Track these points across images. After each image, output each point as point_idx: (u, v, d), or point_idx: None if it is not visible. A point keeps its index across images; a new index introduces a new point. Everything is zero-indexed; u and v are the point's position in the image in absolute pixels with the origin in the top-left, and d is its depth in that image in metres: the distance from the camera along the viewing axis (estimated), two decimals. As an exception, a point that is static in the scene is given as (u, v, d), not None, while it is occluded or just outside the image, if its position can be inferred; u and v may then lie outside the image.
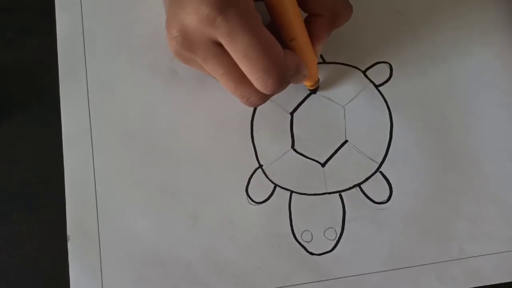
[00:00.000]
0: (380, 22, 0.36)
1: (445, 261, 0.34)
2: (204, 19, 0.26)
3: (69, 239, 0.33)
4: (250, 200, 0.34)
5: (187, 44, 0.28)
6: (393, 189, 0.34)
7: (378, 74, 0.36)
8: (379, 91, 0.36)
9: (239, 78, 0.29)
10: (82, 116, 0.35)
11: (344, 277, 0.33)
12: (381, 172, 0.35)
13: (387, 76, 0.36)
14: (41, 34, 0.35)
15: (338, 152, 0.35)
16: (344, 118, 0.35)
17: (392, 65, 0.36)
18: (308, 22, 0.31)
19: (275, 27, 0.30)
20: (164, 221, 0.34)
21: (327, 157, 0.35)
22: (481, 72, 0.36)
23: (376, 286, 0.33)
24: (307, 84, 0.34)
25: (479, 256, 0.34)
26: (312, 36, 0.31)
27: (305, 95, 0.35)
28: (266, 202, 0.34)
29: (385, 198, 0.34)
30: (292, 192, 0.34)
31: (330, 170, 0.35)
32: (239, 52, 0.27)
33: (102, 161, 0.34)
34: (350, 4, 0.32)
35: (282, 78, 0.28)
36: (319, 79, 0.34)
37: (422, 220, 0.34)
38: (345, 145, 0.35)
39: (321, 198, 0.34)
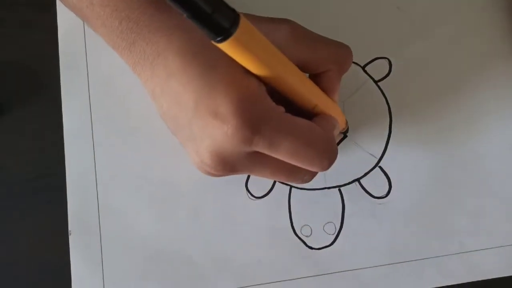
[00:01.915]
0: (379, 17, 0.37)
1: (445, 255, 0.34)
2: (240, 143, 0.25)
3: (70, 234, 0.33)
4: (250, 195, 0.34)
5: (228, 168, 0.27)
6: (392, 184, 0.34)
7: (377, 69, 0.36)
8: (378, 86, 0.36)
9: (289, 170, 0.28)
10: (83, 110, 0.35)
11: (344, 271, 0.33)
12: (380, 167, 0.35)
13: (386, 71, 0.36)
14: (41, 29, 0.36)
15: (338, 147, 0.35)
16: (344, 113, 0.35)
17: (391, 61, 0.36)
18: (318, 80, 0.30)
19: (291, 100, 0.28)
20: (165, 216, 0.34)
21: (326, 152, 0.35)
22: (481, 66, 0.36)
23: (376, 280, 0.33)
24: (340, 130, 0.33)
25: (479, 250, 0.34)
26: (328, 91, 0.30)
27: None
28: (266, 197, 0.34)
29: (384, 192, 0.34)
30: (291, 187, 0.34)
31: (330, 165, 0.35)
32: (285, 154, 0.26)
33: (103, 156, 0.34)
34: (348, 47, 0.31)
35: (333, 152, 0.27)
36: (346, 120, 0.34)
37: (421, 214, 0.34)
38: (345, 140, 0.35)
39: (320, 193, 0.34)
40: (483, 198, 0.35)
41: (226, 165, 0.26)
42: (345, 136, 0.35)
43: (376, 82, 0.36)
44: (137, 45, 0.28)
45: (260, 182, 0.34)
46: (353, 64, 0.36)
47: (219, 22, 0.21)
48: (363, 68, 0.36)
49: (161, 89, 0.27)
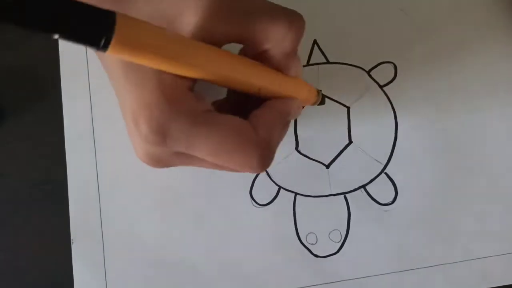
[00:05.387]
0: (384, 21, 0.36)
1: (452, 263, 0.33)
2: (154, 146, 0.24)
3: (72, 242, 0.33)
4: (254, 203, 0.34)
5: (161, 165, 0.26)
6: (398, 190, 0.34)
7: (383, 74, 0.36)
8: (383, 91, 0.35)
9: (224, 166, 0.26)
10: (84, 116, 0.34)
11: (350, 279, 0.33)
12: (386, 173, 0.34)
13: (392, 76, 0.36)
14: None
15: (343, 154, 0.34)
16: (349, 119, 0.35)
17: (397, 65, 0.36)
18: (262, 58, 0.26)
19: (229, 88, 0.26)
20: (168, 223, 0.33)
21: (331, 159, 0.34)
22: (487, 70, 0.36)
23: (382, 289, 0.33)
24: (311, 104, 0.31)
25: (486, 257, 0.33)
26: (280, 69, 0.26)
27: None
28: (270, 204, 0.34)
29: (391, 199, 0.34)
30: (296, 194, 0.34)
31: (335, 172, 0.34)
32: (207, 156, 0.24)
33: (105, 161, 0.34)
34: (292, 16, 0.25)
35: (265, 154, 0.25)
36: (319, 91, 0.31)
37: (428, 221, 0.34)
38: (350, 146, 0.35)
39: (325, 200, 0.34)
40: (491, 203, 0.34)
41: (157, 162, 0.26)
42: (350, 142, 0.34)
43: (381, 87, 0.35)
44: None
45: (265, 190, 0.34)
46: (358, 69, 0.36)
47: (92, 32, 0.18)
48: (368, 72, 0.36)
49: (111, 82, 0.27)
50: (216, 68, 0.24)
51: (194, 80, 0.24)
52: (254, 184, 0.34)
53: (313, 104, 0.31)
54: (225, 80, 0.24)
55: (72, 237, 0.33)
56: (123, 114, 0.26)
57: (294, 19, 0.25)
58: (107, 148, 0.34)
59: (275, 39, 0.25)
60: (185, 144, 0.24)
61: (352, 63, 0.36)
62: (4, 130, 0.34)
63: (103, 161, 0.34)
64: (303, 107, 0.30)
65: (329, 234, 0.34)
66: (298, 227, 0.33)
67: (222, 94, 0.29)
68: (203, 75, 0.23)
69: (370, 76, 0.36)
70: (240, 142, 0.24)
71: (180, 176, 0.34)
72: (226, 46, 0.25)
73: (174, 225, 0.33)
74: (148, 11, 0.24)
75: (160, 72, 0.23)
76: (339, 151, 0.34)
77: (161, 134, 0.23)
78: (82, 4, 0.18)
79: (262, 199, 0.34)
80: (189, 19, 0.23)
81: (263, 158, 0.25)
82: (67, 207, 0.33)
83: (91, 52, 0.35)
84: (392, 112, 0.35)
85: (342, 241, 0.33)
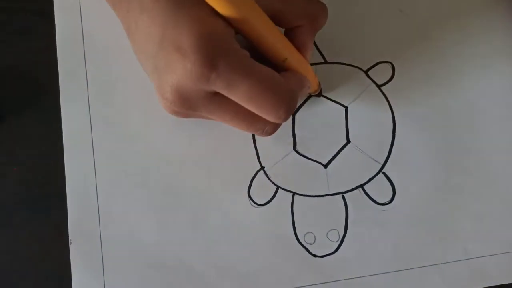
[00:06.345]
0: (382, 21, 0.36)
1: (449, 262, 0.33)
2: (198, 79, 0.25)
3: (71, 243, 0.33)
4: (252, 202, 0.34)
5: (187, 106, 0.27)
6: (396, 190, 0.34)
7: (380, 74, 0.36)
8: (381, 91, 0.35)
9: (249, 117, 0.28)
10: (82, 118, 0.34)
11: (348, 279, 0.33)
12: (384, 173, 0.34)
13: (389, 75, 0.36)
14: (41, 36, 0.35)
15: (341, 153, 0.34)
16: (346, 118, 0.35)
17: (394, 65, 0.36)
18: (290, 35, 0.30)
19: (261, 51, 0.29)
20: (166, 224, 0.33)
21: (329, 158, 0.34)
22: (485, 70, 0.36)
23: (380, 288, 0.33)
24: (311, 91, 0.34)
25: (484, 256, 0.33)
26: (299, 48, 0.30)
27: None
28: (269, 204, 0.34)
29: (388, 199, 0.34)
30: (294, 193, 0.34)
31: (333, 171, 0.34)
32: (242, 97, 0.26)
33: (103, 164, 0.34)
34: (323, 4, 0.31)
35: (292, 104, 0.28)
36: (319, 82, 0.34)
37: (426, 220, 0.34)
38: (348, 146, 0.35)
39: (323, 200, 0.34)
40: (488, 203, 0.34)
41: (185, 101, 0.27)
42: (348, 142, 0.35)
43: (379, 86, 0.35)
44: None
45: (263, 189, 0.34)
46: (356, 69, 0.36)
47: None
48: (366, 72, 0.36)
49: (136, 24, 0.28)
50: (262, 28, 0.27)
51: (236, 32, 0.27)
52: (252, 184, 0.34)
53: (313, 92, 0.34)
54: (263, 40, 0.27)
55: (70, 238, 0.33)
56: (161, 47, 0.26)
57: (324, 5, 0.31)
58: (105, 150, 0.34)
59: (311, 16, 0.30)
60: (226, 82, 0.25)
61: (350, 63, 0.36)
62: (3, 131, 0.35)
63: (101, 163, 0.34)
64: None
65: (327, 233, 0.34)
66: (296, 226, 0.34)
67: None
68: (253, 30, 0.27)
69: (368, 75, 0.36)
70: (274, 87, 0.27)
71: (178, 177, 0.34)
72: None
73: (172, 226, 0.33)
74: None
75: (214, 15, 0.26)
76: (337, 150, 0.35)
77: (209, 66, 0.25)
78: None
79: (260, 199, 0.34)
80: None
81: (290, 106, 0.27)
82: (65, 208, 0.33)
83: (89, 55, 0.35)
84: (390, 112, 0.35)
85: (340, 240, 0.33)
